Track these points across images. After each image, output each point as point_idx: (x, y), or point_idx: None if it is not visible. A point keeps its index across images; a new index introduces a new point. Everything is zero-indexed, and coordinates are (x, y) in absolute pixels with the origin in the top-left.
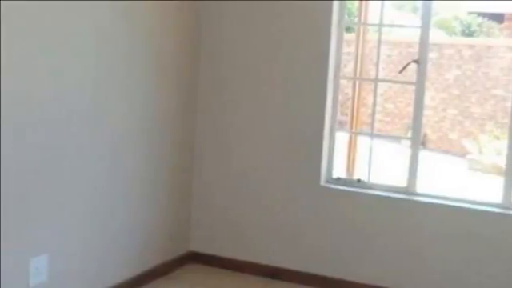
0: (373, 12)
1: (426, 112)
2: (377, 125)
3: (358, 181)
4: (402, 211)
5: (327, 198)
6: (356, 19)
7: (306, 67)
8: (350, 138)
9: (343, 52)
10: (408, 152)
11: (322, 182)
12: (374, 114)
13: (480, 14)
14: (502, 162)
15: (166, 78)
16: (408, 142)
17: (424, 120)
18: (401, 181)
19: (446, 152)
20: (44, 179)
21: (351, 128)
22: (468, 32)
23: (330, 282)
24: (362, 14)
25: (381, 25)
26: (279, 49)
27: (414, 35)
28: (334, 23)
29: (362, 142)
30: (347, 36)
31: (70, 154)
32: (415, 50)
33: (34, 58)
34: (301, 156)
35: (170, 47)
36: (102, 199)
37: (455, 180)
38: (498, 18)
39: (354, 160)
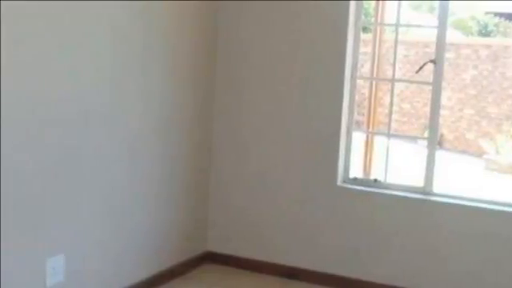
0: (389, 12)
1: (442, 112)
2: (393, 125)
3: (375, 181)
4: (419, 211)
5: (344, 198)
6: (373, 19)
7: (322, 67)
8: (367, 137)
9: (360, 52)
10: (425, 152)
11: (339, 182)
12: (390, 113)
13: (497, 14)
14: None
15: (183, 78)
16: (425, 142)
17: (441, 120)
18: (418, 181)
19: (463, 152)
20: (60, 179)
21: (368, 128)
22: (485, 32)
23: (347, 282)
24: (379, 14)
25: (397, 25)
26: (296, 49)
27: (431, 35)
28: (351, 23)
29: (379, 141)
30: (364, 36)
31: (86, 154)
32: (432, 50)
33: (50, 57)
34: (318, 156)
35: (187, 47)
36: (118, 199)
37: (472, 180)
38: None
39: (370, 160)
